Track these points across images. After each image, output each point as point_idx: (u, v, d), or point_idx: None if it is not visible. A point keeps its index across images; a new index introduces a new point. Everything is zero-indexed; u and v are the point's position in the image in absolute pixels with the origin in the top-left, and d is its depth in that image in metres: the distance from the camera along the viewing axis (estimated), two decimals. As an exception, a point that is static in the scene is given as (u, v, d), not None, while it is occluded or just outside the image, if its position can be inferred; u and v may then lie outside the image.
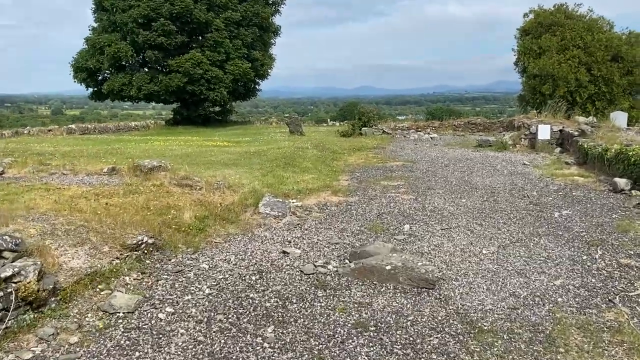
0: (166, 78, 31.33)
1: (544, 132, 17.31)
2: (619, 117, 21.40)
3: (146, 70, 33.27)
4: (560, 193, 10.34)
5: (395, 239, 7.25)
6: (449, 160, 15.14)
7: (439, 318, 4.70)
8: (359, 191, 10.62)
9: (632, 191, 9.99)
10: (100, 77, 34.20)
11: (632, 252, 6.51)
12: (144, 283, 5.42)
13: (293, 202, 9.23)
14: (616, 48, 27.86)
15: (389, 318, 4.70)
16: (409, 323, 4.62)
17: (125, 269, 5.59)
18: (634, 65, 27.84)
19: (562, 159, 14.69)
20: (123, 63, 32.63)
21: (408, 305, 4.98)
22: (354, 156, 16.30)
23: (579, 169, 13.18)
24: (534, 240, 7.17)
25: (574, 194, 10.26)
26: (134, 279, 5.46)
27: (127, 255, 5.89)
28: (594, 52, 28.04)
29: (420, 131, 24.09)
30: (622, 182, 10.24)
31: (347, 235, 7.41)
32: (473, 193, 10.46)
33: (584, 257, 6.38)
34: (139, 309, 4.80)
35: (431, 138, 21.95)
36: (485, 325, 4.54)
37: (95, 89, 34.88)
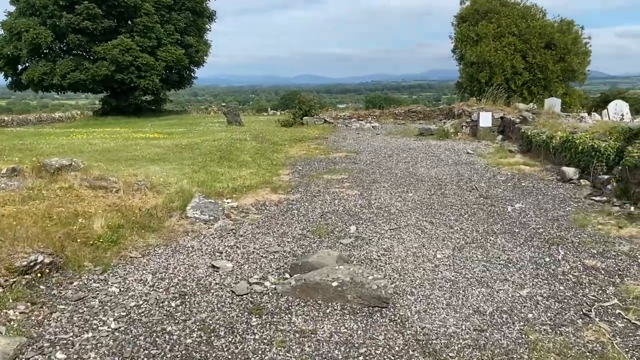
0: (93, 66, 29.11)
1: (485, 120, 17.10)
2: (554, 104, 21.68)
3: (71, 57, 30.80)
4: (509, 184, 9.93)
5: (341, 243, 6.46)
6: (392, 150, 14.57)
7: (397, 348, 3.94)
8: (300, 187, 9.77)
9: (581, 180, 9.71)
10: (20, 66, 31.40)
11: (594, 251, 6.04)
12: (33, 317, 4.34)
13: (228, 203, 8.27)
14: (549, 35, 28.38)
15: (337, 352, 3.90)
16: (361, 357, 3.83)
17: (10, 300, 4.49)
18: (566, 52, 28.47)
19: (505, 147, 14.45)
20: (44, 50, 30.02)
21: (359, 332, 4.20)
22: (295, 147, 15.43)
23: (523, 157, 12.92)
24: (490, 239, 6.59)
25: (522, 184, 9.88)
26: (20, 313, 4.37)
27: (15, 281, 4.77)
28: (528, 39, 28.45)
29: (361, 120, 23.53)
30: (570, 171, 9.94)
31: (288, 241, 6.56)
32: (419, 186, 9.86)
33: (547, 259, 5.84)
34: (19, 358, 3.74)
35: (373, 127, 21.41)
36: (451, 356, 3.82)
37: (14, 78, 32.03)
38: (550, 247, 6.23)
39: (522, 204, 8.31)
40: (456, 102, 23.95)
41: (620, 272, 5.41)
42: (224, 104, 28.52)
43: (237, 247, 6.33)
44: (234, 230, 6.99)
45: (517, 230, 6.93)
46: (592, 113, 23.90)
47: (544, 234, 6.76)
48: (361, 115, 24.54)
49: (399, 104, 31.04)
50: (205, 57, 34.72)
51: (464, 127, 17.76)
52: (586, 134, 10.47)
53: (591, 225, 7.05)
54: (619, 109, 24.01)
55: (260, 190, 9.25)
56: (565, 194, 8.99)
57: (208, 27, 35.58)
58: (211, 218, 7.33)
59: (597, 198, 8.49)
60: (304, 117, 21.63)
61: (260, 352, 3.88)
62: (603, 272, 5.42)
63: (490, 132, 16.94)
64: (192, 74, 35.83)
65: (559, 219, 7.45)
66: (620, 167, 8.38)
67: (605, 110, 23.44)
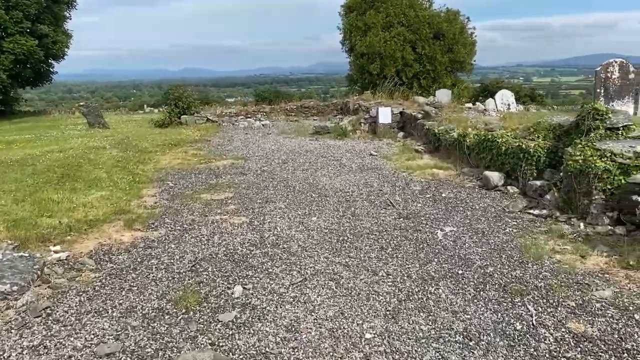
0: None
1: (385, 116, 15.63)
2: (444, 95, 20.99)
3: None
4: (428, 195, 8.27)
5: (219, 322, 4.23)
6: (286, 155, 12.49)
7: None
8: (168, 216, 7.33)
9: (508, 187, 8.31)
10: None
11: (573, 304, 4.39)
12: None
13: (53, 254, 5.65)
14: (437, 25, 27.94)
15: None
16: None
17: None
18: (453, 43, 28.22)
19: (409, 146, 12.98)
20: None
21: None
22: (169, 155, 12.78)
23: (432, 157, 11.47)
24: (430, 292, 4.73)
25: (443, 195, 8.26)
26: None
27: None
28: (417, 29, 27.79)
29: (250, 117, 21.18)
30: (495, 177, 8.50)
31: (135, 327, 4.18)
32: (324, 204, 7.88)
33: (517, 326, 4.07)
34: None
35: (263, 125, 19.19)
36: None
37: None
38: (513, 301, 4.49)
39: (452, 227, 6.61)
40: (351, 96, 22.47)
41: (624, 344, 3.76)
42: (82, 104, 24.53)
43: (43, 351, 3.83)
44: (49, 310, 4.46)
45: (460, 272, 5.15)
46: (476, 103, 23.70)
47: (496, 276, 5.03)
48: (250, 111, 22.17)
49: (289, 98, 29.06)
50: (65, 50, 30.14)
51: (362, 123, 16.16)
52: (507, 131, 9.12)
53: (547, 256, 5.47)
54: (505, 99, 24.00)
55: (108, 227, 6.69)
56: (496, 207, 7.48)
57: (68, 14, 30.99)
58: (15, 288, 4.71)
59: (536, 212, 7.04)
60: (182, 116, 18.83)
61: None
62: (603, 346, 3.74)
63: (391, 128, 15.49)
64: (51, 69, 31.06)
65: (504, 247, 5.81)
66: (561, 173, 6.99)
67: (490, 100, 23.34)
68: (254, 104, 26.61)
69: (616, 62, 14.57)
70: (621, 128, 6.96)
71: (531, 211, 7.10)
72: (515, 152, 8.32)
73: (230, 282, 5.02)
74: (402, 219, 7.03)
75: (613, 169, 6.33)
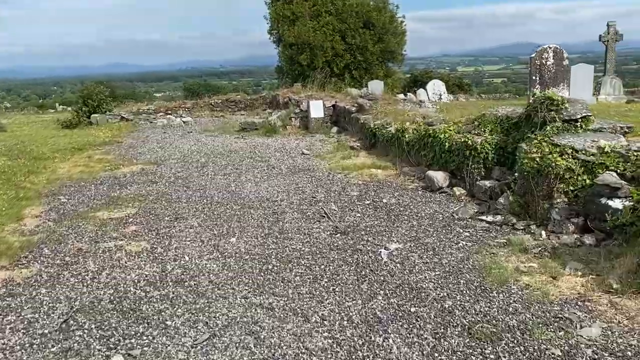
0: None
1: (317, 110, 14.51)
2: (376, 87, 20.22)
3: None
4: (367, 202, 7.22)
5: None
6: (207, 157, 11.10)
7: None
8: (48, 245, 5.83)
9: (454, 188, 7.40)
10: None
11: (559, 353, 3.42)
12: None
13: None
14: (367, 14, 27.13)
15: None
16: None
17: None
18: (384, 32, 27.54)
19: (344, 142, 11.93)
20: None
21: None
22: (70, 161, 11.04)
23: (369, 155, 10.47)
24: (378, 347, 3.62)
25: (384, 200, 7.24)
26: None
27: None
28: (346, 18, 26.86)
29: (170, 114, 19.42)
30: (439, 177, 7.57)
31: None
32: (247, 218, 6.65)
33: (498, 397, 3.04)
34: None
35: (184, 122, 17.56)
36: None
37: None
38: (484, 352, 3.47)
39: (398, 242, 5.56)
40: (281, 89, 21.18)
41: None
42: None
43: None
44: None
45: (413, 310, 4.08)
46: (408, 94, 23.19)
47: (457, 313, 4.00)
48: (170, 108, 20.39)
49: (218, 92, 27.38)
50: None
51: (293, 118, 14.96)
52: (449, 125, 8.22)
53: (513, 279, 4.53)
54: (436, 89, 23.64)
55: (-41, 268, 5.13)
56: (444, 214, 6.53)
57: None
58: None
59: (489, 218, 6.13)
60: (93, 115, 16.85)
61: None
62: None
63: (324, 123, 14.40)
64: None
65: (460, 268, 4.82)
66: (516, 175, 6.11)
67: (422, 90, 22.88)
68: (184, 97, 24.75)
69: (550, 48, 14.18)
70: (580, 119, 6.18)
71: (483, 217, 6.19)
72: (460, 149, 7.42)
73: (111, 346, 3.69)
74: (339, 234, 5.91)
75: (576, 167, 5.51)
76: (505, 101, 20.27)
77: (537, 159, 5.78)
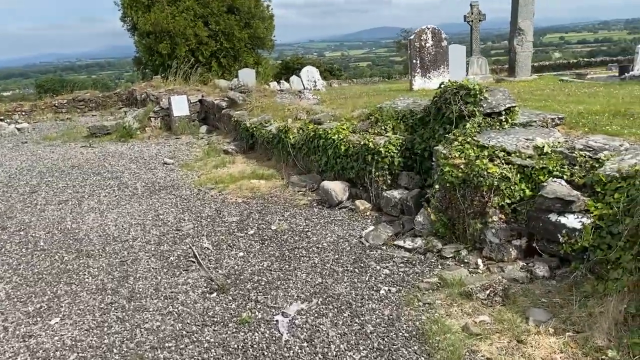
0: None
1: (180, 107, 12.43)
2: (247, 76, 18.55)
3: None
4: (251, 232, 5.59)
5: None
6: (41, 176, 8.67)
7: None
8: None
9: (356, 202, 6.03)
10: None
11: None
12: None
13: None
14: (230, -2, 25.11)
15: None
16: None
17: None
18: (250, 17, 25.71)
19: (216, 146, 10.12)
20: None
21: None
22: None
23: (247, 160, 8.81)
24: None
25: (272, 227, 5.66)
26: None
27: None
28: (208, 2, 24.59)
29: (2, 120, 16.00)
30: (337, 189, 6.15)
31: None
32: (81, 276, 4.69)
33: None
34: None
35: (18, 130, 14.41)
36: None
37: None
38: None
39: (299, 300, 4.02)
40: (137, 84, 18.56)
41: None
42: None
43: None
44: None
45: None
46: (282, 82, 21.90)
47: None
48: (2, 112, 16.86)
49: (76, 88, 23.62)
50: None
51: (152, 118, 12.71)
52: (342, 124, 6.83)
53: (467, 350, 3.20)
54: (311, 76, 22.50)
55: None
56: (350, 239, 5.12)
57: None
58: None
59: (408, 244, 4.83)
60: None
61: None
62: None
63: (190, 122, 12.39)
64: None
65: (394, 341, 3.40)
66: (436, 187, 4.84)
67: (295, 77, 21.67)
68: (37, 95, 20.83)
69: (428, 28, 13.49)
70: (504, 112, 5.06)
71: (401, 243, 4.87)
72: (359, 153, 6.05)
73: None
74: (215, 292, 4.22)
75: (512, 175, 4.36)
76: (379, 86, 19.67)
77: (462, 167, 4.56)
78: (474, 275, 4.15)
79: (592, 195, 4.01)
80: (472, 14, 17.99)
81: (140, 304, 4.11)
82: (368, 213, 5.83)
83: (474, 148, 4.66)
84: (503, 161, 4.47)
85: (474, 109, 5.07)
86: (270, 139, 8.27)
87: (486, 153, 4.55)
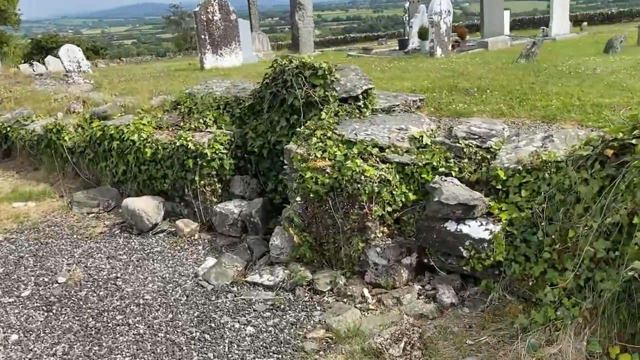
0: None
1: None
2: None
3: None
4: (26, 292, 3.70)
5: None
6: None
7: None
8: None
9: (178, 222, 4.52)
10: None
11: None
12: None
13: None
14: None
15: None
16: None
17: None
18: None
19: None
20: None
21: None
22: None
23: (3, 173, 6.42)
24: None
25: (59, 279, 3.86)
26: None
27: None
28: None
29: None
30: (148, 209, 4.54)
31: None
32: None
33: None
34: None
35: None
36: None
37: None
38: None
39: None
40: None
41: None
42: None
43: None
44: None
45: None
46: (34, 63, 18.34)
47: None
48: None
49: None
50: None
51: None
52: (140, 118, 5.15)
53: None
54: (72, 56, 19.21)
55: None
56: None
57: None
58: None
59: (267, 279, 3.59)
60: None
61: None
62: None
63: None
64: None
65: None
66: (297, 199, 3.66)
67: (52, 58, 18.30)
68: None
69: (215, 1, 12.09)
70: (361, 96, 4.11)
71: (257, 279, 3.62)
72: (175, 157, 4.54)
73: None
74: None
75: (392, 176, 3.45)
76: (155, 65, 17.64)
77: (329, 170, 3.49)
78: (369, 315, 3.15)
79: (490, 194, 3.33)
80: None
81: None
82: (197, 236, 4.41)
83: (340, 145, 3.63)
84: (378, 159, 3.53)
85: (326, 93, 4.02)
86: (35, 142, 6.08)
87: (356, 150, 3.55)
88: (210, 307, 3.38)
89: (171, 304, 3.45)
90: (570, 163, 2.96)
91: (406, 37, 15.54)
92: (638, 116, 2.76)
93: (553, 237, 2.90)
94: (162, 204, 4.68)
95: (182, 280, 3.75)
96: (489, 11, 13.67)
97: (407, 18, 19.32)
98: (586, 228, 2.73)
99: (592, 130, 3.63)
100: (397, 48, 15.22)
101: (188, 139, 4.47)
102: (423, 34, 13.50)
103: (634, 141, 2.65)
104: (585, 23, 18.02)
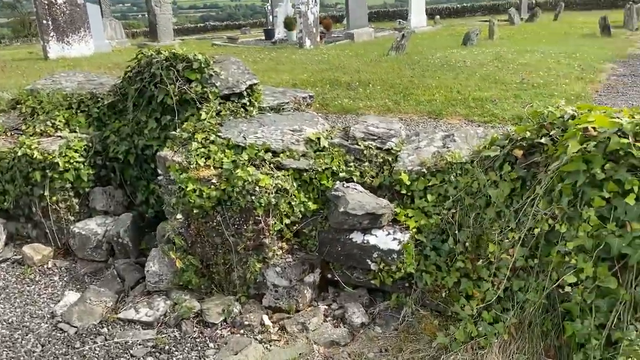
0: None
1: None
2: None
3: None
4: None
5: None
6: None
7: None
8: None
9: (25, 248, 3.67)
10: None
11: None
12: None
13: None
14: None
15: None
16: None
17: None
18: None
19: None
20: None
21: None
22: None
23: None
24: None
25: None
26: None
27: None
28: None
29: None
30: (-17, 235, 3.63)
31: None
32: None
33: None
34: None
35: None
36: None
37: None
38: None
39: None
40: None
41: None
42: None
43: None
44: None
45: None
46: None
47: None
48: None
49: None
50: None
51: None
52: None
53: None
54: None
55: None
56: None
57: None
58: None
59: (145, 313, 3.00)
60: None
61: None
62: None
63: None
64: None
65: None
66: (178, 217, 3.09)
67: None
68: None
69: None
70: (246, 92, 3.62)
71: (132, 315, 3.01)
72: (17, 169, 3.68)
73: None
74: None
75: (290, 185, 3.06)
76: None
77: (215, 181, 2.99)
78: (273, 348, 2.74)
79: (394, 199, 3.08)
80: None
81: None
82: (51, 264, 3.63)
83: (226, 150, 3.14)
84: (272, 166, 3.11)
85: (205, 89, 3.48)
86: None
87: (246, 156, 3.09)
88: (75, 358, 2.71)
89: (22, 358, 2.72)
90: (477, 164, 2.81)
91: (271, 27, 15.18)
92: (544, 113, 2.67)
93: (465, 244, 2.74)
94: (2, 225, 3.79)
95: (35, 324, 3.01)
96: (354, 3, 13.82)
97: (269, 7, 18.94)
98: (500, 234, 2.59)
99: (493, 128, 3.56)
100: (264, 38, 14.81)
101: (33, 146, 3.64)
102: (289, 24, 13.25)
103: (543, 140, 2.54)
104: (438, 17, 19.18)
